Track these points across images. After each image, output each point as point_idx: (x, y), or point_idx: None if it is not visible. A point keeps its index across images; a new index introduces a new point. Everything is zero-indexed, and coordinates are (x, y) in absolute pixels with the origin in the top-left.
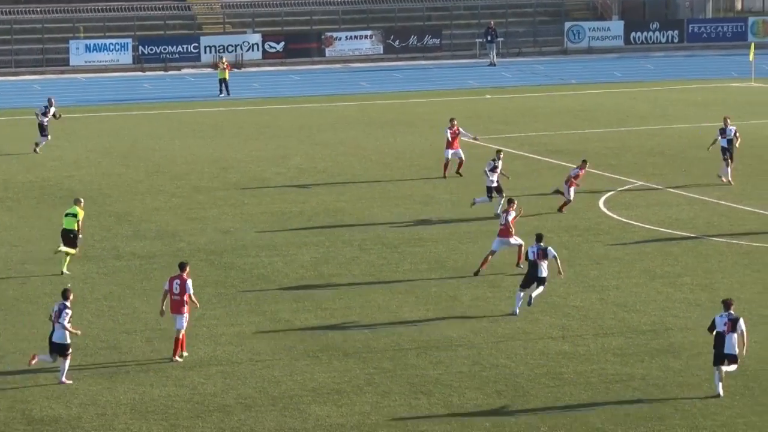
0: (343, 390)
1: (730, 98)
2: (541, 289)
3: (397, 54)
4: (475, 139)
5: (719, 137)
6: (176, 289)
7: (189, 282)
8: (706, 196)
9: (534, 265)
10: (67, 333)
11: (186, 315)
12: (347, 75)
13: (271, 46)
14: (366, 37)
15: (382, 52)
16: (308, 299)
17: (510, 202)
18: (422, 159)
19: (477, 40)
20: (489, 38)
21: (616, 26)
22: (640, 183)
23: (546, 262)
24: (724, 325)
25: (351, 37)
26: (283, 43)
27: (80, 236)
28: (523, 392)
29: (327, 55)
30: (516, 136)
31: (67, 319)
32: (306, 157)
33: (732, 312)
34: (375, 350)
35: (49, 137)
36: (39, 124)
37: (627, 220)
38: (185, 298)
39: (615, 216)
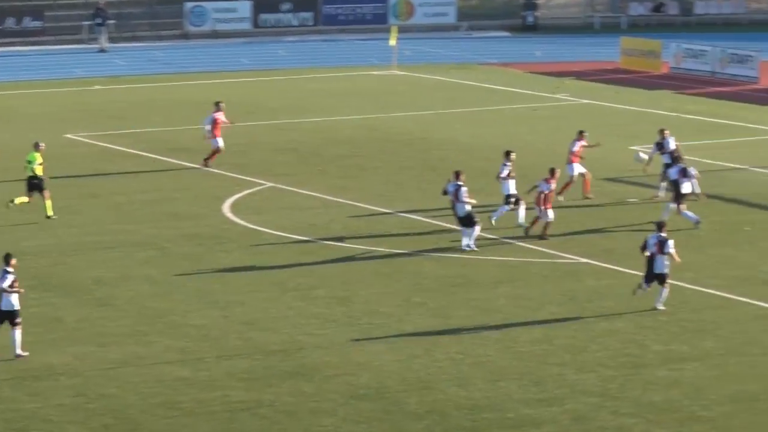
0: None
1: (371, 87)
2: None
3: None
4: (231, 123)
5: (656, 152)
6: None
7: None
8: (343, 198)
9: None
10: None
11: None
12: None
13: None
14: None
15: None
16: None
17: (552, 172)
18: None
19: (85, 23)
20: (98, 20)
21: (243, 7)
22: (271, 184)
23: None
24: (654, 245)
25: None
26: None
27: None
28: (135, 425)
29: None
30: (130, 133)
31: (8, 282)
32: None
33: (663, 234)
34: None
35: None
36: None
37: (256, 227)
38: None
39: (242, 222)
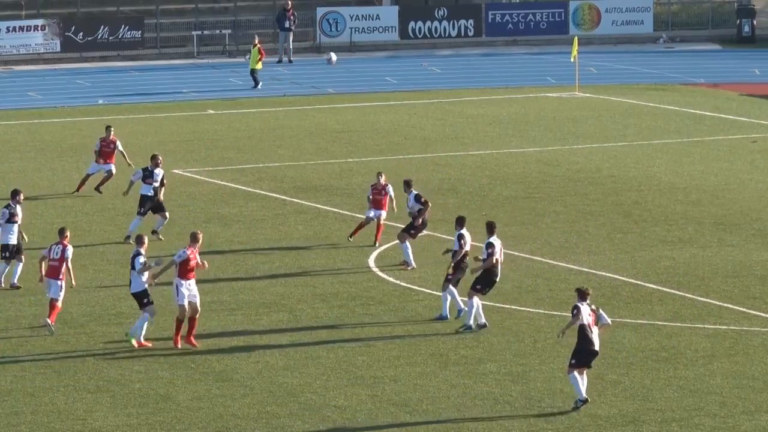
0: None
1: (547, 113)
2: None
3: (81, 52)
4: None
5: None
6: (56, 254)
7: (69, 249)
8: (515, 250)
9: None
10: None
11: (62, 283)
12: (9, 82)
13: None
14: (37, 28)
15: (59, 49)
16: None
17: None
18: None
19: (194, 33)
20: (287, 24)
21: (389, 14)
22: (426, 232)
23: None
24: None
25: (14, 29)
26: None
27: None
28: None
29: None
30: (251, 168)
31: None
32: None
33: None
34: None
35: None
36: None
37: (408, 285)
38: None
39: (391, 279)
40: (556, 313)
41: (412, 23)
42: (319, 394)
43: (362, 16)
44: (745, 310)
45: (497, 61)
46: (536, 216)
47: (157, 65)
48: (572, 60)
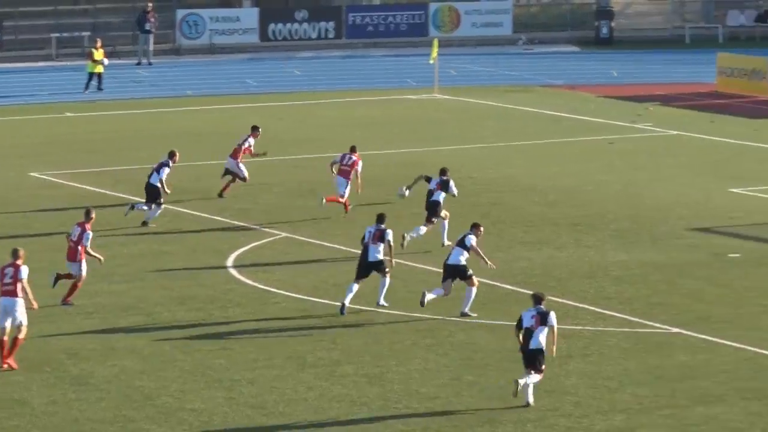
0: None
1: (407, 115)
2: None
3: None
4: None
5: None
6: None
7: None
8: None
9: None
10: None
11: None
12: None
13: None
14: None
15: None
16: None
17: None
18: None
19: (53, 35)
20: (147, 27)
21: (248, 16)
22: (284, 234)
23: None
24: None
25: None
26: None
27: None
28: None
29: None
30: (109, 171)
31: None
32: None
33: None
34: None
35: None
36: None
37: (266, 287)
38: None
39: (249, 281)
40: (413, 314)
41: (272, 25)
42: (175, 398)
43: (222, 18)
44: (600, 310)
45: (357, 64)
46: (394, 218)
47: (15, 68)
48: (431, 62)
